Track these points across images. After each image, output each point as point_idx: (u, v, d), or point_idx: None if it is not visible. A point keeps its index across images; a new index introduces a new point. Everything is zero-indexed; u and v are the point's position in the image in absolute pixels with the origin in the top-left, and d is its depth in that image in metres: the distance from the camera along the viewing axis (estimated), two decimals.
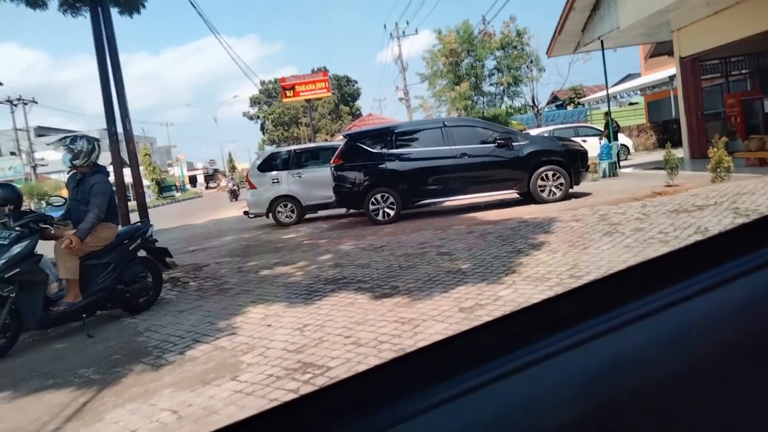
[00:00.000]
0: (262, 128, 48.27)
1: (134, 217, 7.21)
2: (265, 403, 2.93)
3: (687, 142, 12.79)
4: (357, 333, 3.80)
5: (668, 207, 6.73)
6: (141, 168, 8.91)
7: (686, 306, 0.43)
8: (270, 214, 11.41)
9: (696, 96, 12.61)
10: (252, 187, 11.72)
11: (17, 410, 3.35)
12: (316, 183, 11.14)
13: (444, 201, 9.62)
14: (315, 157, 11.97)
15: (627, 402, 0.39)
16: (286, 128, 44.79)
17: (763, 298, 0.42)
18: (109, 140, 7.65)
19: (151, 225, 5.81)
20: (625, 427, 0.39)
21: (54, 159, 34.44)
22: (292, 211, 11.38)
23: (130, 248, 5.19)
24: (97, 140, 5.22)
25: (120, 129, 7.67)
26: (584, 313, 0.44)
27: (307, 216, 11.81)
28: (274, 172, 11.51)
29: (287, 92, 26.77)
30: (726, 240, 0.49)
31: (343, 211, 10.87)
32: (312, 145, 12.38)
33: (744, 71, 14.79)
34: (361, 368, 3.20)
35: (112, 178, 6.19)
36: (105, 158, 6.15)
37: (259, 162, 12.07)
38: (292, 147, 12.02)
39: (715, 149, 8.35)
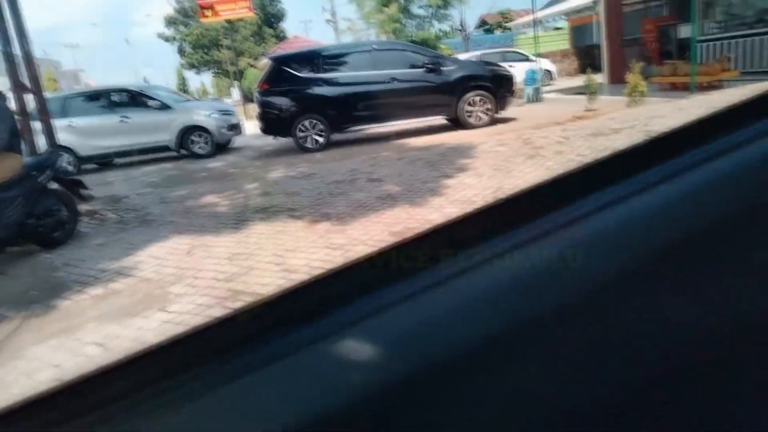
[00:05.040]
0: (180, 51, 45.21)
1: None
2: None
3: (607, 67, 13.21)
4: (288, 260, 3.81)
5: (587, 131, 7.02)
6: (46, 94, 8.17)
7: (599, 216, 0.44)
8: None
9: (617, 21, 12.91)
10: None
11: None
12: (95, 132, 10.34)
13: (374, 127, 9.54)
14: (93, 103, 10.83)
15: (541, 318, 0.41)
16: (206, 51, 42.14)
17: (666, 209, 0.44)
18: (6, 62, 6.90)
19: (62, 155, 5.42)
20: (541, 343, 0.40)
21: None
22: (69, 163, 10.24)
23: (39, 180, 4.84)
24: None
25: (17, 50, 6.92)
26: (497, 229, 0.45)
27: (230, 146, 11.38)
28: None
29: (205, 12, 24.93)
30: (635, 154, 0.51)
31: (131, 159, 10.56)
32: (89, 90, 11.57)
33: None
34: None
35: (11, 105, 5.65)
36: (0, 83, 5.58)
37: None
38: (66, 93, 11.13)
39: (632, 74, 8.68)
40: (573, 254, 0.43)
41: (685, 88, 9.30)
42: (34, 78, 7.32)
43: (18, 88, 6.91)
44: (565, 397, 0.40)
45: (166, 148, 10.61)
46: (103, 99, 10.84)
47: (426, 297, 0.42)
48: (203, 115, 10.58)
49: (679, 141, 0.49)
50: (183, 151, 10.63)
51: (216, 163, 9.52)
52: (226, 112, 11.25)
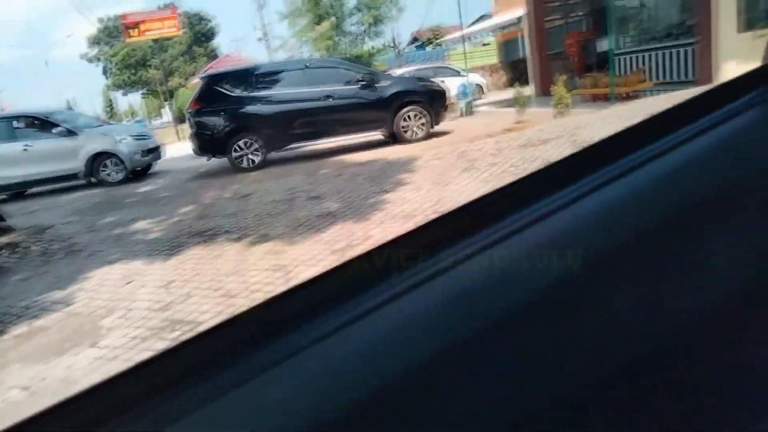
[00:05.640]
0: (105, 72, 43.53)
1: None
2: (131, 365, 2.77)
3: (534, 80, 13.77)
4: (227, 285, 3.70)
5: (518, 142, 7.27)
6: None
7: (574, 208, 0.46)
8: None
9: (540, 36, 13.52)
10: None
11: None
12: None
13: (311, 144, 9.49)
14: None
15: (521, 312, 0.42)
16: (134, 72, 40.80)
17: (639, 195, 0.47)
18: None
19: None
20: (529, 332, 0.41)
21: None
22: None
23: None
24: None
25: None
26: (473, 228, 0.47)
27: (163, 168, 11.02)
28: None
29: (131, 31, 24.20)
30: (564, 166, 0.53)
31: (55, 186, 10.06)
32: None
33: (581, 13, 16.07)
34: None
35: None
36: None
37: None
38: None
39: (557, 86, 9.09)
40: (552, 246, 0.44)
41: (606, 99, 9.83)
42: None
43: None
44: (553, 387, 0.41)
45: (74, 176, 10.02)
46: (4, 126, 10.12)
47: (410, 297, 0.42)
48: (113, 141, 10.06)
49: (648, 131, 0.52)
50: (93, 179, 10.06)
51: (147, 187, 9.18)
52: (140, 137, 10.73)
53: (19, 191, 10.34)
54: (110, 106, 55.15)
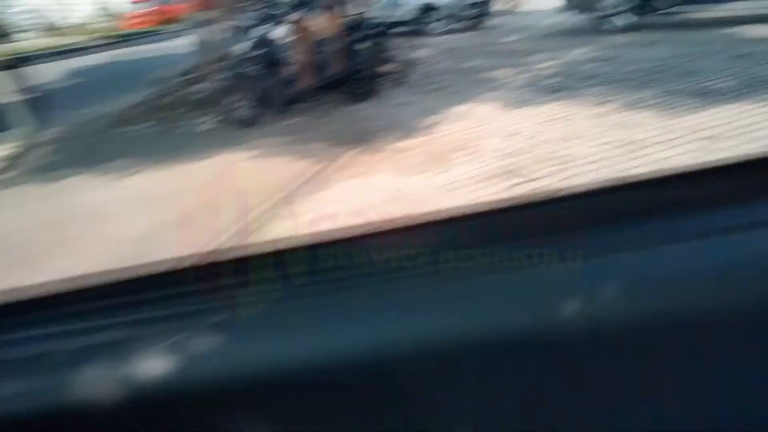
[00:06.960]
0: None
1: None
2: (465, 202, 3.06)
3: None
4: (569, 149, 3.63)
5: None
6: None
7: None
8: None
9: None
10: None
11: (265, 170, 4.03)
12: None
13: (696, 12, 7.95)
14: None
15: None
16: None
17: None
18: None
19: (366, 18, 5.98)
20: None
21: None
22: None
23: (351, 38, 5.44)
24: None
25: None
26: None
27: (523, 23, 10.83)
28: None
29: None
30: None
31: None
32: None
33: None
34: (576, 181, 3.12)
35: None
36: None
37: None
38: None
39: None
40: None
41: None
42: None
43: None
44: None
45: (402, 24, 10.64)
46: None
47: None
48: None
49: None
50: (419, 29, 10.67)
51: (508, 38, 9.26)
52: None
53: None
54: None
